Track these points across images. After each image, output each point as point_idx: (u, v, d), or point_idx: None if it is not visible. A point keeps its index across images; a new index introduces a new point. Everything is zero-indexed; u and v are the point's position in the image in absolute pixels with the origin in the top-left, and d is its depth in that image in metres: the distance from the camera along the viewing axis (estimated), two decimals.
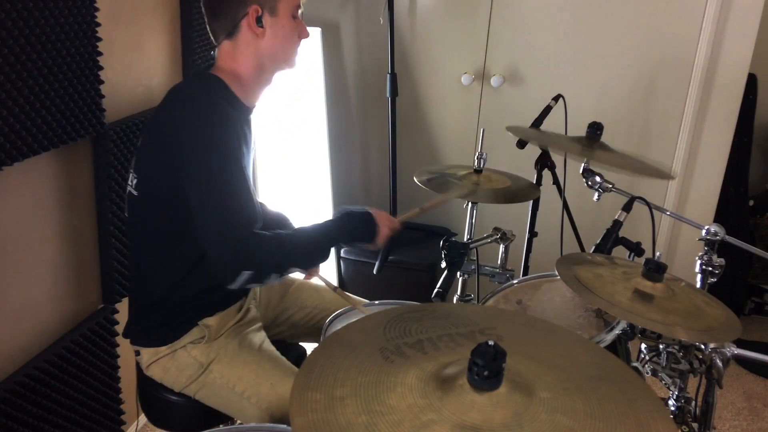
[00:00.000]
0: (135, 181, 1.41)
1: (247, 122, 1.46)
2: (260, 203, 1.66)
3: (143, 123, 1.83)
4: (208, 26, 1.45)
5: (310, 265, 1.42)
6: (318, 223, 1.42)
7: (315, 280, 1.62)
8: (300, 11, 1.46)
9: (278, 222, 1.72)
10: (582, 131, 1.74)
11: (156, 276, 1.44)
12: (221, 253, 1.26)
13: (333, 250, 2.77)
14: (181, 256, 1.41)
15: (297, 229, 1.42)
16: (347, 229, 1.43)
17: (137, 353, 1.49)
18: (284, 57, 1.47)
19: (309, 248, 1.38)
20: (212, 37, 1.45)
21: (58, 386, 1.61)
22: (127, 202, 1.45)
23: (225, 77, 1.41)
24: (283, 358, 1.49)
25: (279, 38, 1.42)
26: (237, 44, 1.41)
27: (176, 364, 1.45)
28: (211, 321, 1.45)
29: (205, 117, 1.31)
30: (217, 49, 1.44)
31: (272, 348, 1.52)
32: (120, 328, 1.85)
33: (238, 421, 1.52)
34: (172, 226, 1.38)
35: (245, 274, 1.26)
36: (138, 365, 1.51)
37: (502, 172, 1.83)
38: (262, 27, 1.40)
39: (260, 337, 1.54)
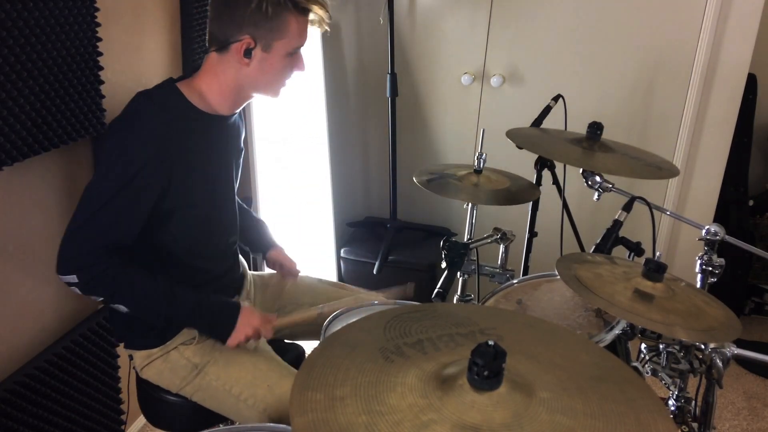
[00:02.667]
0: None
1: (215, 130, 1.45)
2: (240, 205, 1.67)
3: None
4: (208, 28, 1.44)
5: (140, 314, 1.40)
6: (182, 292, 1.39)
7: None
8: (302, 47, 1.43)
9: (252, 227, 1.76)
10: (582, 131, 1.74)
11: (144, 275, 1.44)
12: (62, 249, 1.31)
13: (335, 257, 2.77)
14: (155, 260, 1.42)
15: (160, 282, 1.37)
16: (197, 315, 1.41)
17: (130, 357, 1.49)
18: (266, 89, 1.45)
19: (146, 302, 1.37)
20: (207, 40, 1.44)
21: (58, 386, 1.61)
22: None
23: (188, 90, 1.40)
24: (280, 359, 1.49)
25: (264, 73, 1.40)
26: (223, 61, 1.39)
27: (169, 366, 1.45)
28: None
29: (123, 134, 1.32)
30: (206, 55, 1.43)
31: (268, 348, 1.52)
32: None
33: (238, 422, 1.52)
34: (141, 234, 1.38)
35: (72, 278, 1.30)
36: (134, 368, 1.51)
37: (501, 172, 1.83)
38: (249, 58, 1.36)
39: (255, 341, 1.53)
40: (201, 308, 1.41)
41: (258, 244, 1.79)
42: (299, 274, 1.77)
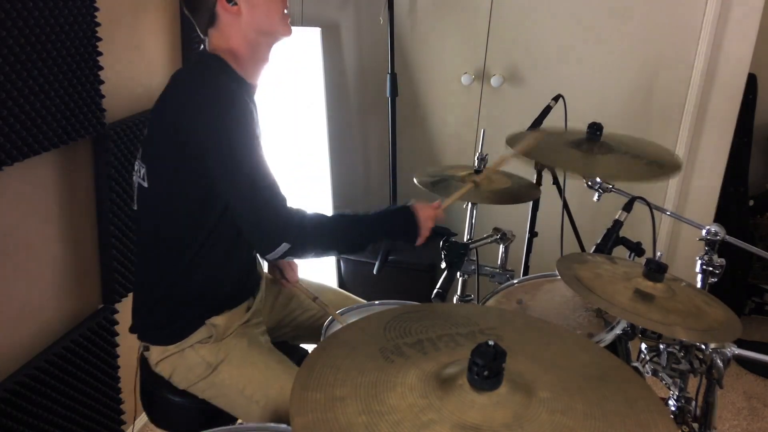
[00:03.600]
0: (143, 172, 1.39)
1: (251, 99, 1.44)
2: None
3: (144, 122, 1.83)
4: (192, 20, 1.44)
5: (347, 252, 1.44)
6: (360, 214, 1.43)
7: (301, 285, 1.63)
8: None
9: None
10: (582, 131, 1.74)
11: (164, 269, 1.43)
12: (258, 223, 1.29)
13: None
14: (191, 248, 1.40)
15: (339, 214, 1.41)
16: (390, 226, 1.45)
17: (146, 348, 1.48)
18: (270, 27, 1.42)
19: (350, 235, 1.40)
20: (198, 30, 1.43)
21: (58, 386, 1.61)
22: (137, 195, 1.44)
23: (223, 55, 1.39)
24: (290, 361, 1.49)
25: (257, 8, 1.38)
26: (221, 29, 1.39)
27: (185, 363, 1.44)
28: (218, 320, 1.44)
29: (214, 95, 1.30)
30: (206, 40, 1.43)
31: (279, 351, 1.52)
32: (120, 328, 1.85)
33: (239, 421, 1.52)
34: (185, 214, 1.37)
35: (284, 246, 1.29)
36: (142, 362, 1.50)
37: (501, 172, 1.82)
38: (235, 4, 1.36)
39: (266, 339, 1.53)
40: (385, 221, 1.46)
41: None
42: (297, 281, 1.74)
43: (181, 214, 1.38)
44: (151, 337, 1.47)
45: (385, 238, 1.47)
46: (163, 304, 1.45)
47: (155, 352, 1.46)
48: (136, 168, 1.43)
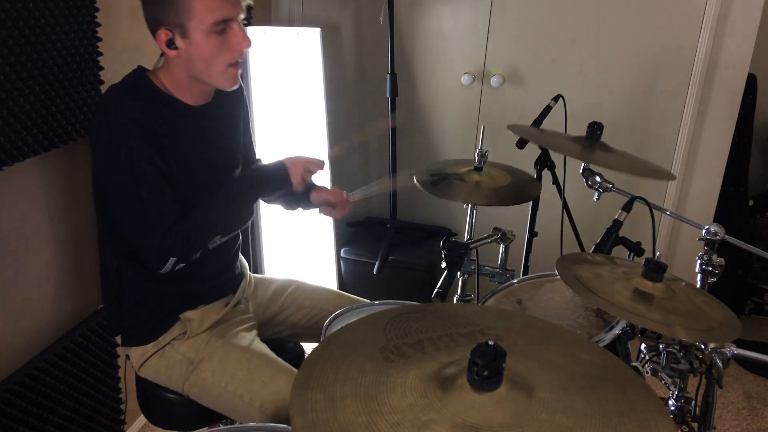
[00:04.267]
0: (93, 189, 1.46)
1: (184, 117, 1.43)
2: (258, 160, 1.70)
3: None
4: None
5: (234, 229, 1.47)
6: (228, 186, 1.46)
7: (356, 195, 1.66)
8: (233, 21, 1.34)
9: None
10: (582, 131, 1.74)
11: (126, 273, 1.45)
12: (145, 253, 1.35)
13: (333, 248, 2.76)
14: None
15: (210, 200, 1.42)
16: (259, 183, 1.47)
17: (128, 357, 1.50)
18: (210, 77, 1.37)
19: (228, 215, 1.43)
20: None
21: (58, 386, 1.61)
22: (94, 202, 1.48)
23: (158, 80, 1.39)
24: (274, 355, 1.49)
25: (198, 58, 1.34)
26: (166, 58, 1.38)
27: (165, 363, 1.45)
28: (192, 314, 1.46)
29: (118, 122, 1.31)
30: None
31: (263, 345, 1.52)
32: None
33: (233, 419, 1.53)
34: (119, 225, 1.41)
35: (171, 261, 1.35)
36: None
37: (502, 166, 1.81)
38: (176, 49, 1.33)
39: (251, 336, 1.53)
40: (259, 182, 1.48)
41: (291, 196, 1.68)
42: (347, 200, 1.66)
43: (118, 226, 1.42)
44: (131, 340, 1.49)
45: (261, 193, 1.49)
46: (138, 306, 1.47)
47: (135, 357, 1.48)
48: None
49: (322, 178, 2.77)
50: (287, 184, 1.49)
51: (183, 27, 1.30)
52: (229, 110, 1.55)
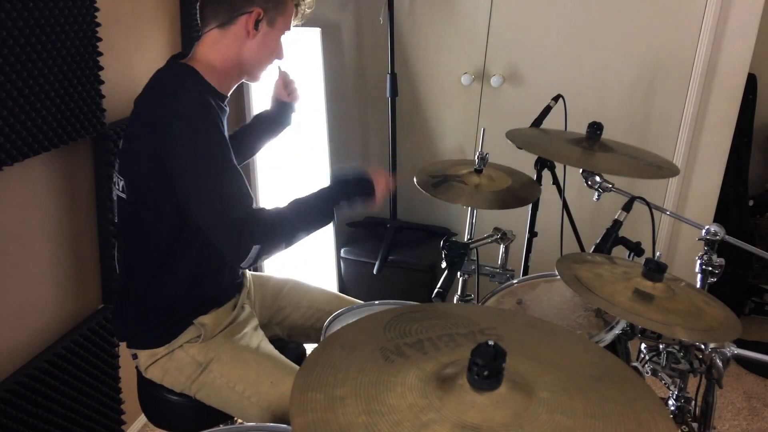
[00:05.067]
0: (122, 184, 1.41)
1: (222, 107, 1.45)
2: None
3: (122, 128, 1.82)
4: (198, 10, 1.44)
5: (314, 230, 1.45)
6: (315, 191, 1.45)
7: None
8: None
9: (252, 129, 1.77)
10: (582, 131, 1.74)
11: (150, 275, 1.44)
12: (227, 235, 1.30)
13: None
14: (172, 254, 1.41)
15: (295, 199, 1.43)
16: (344, 192, 1.46)
17: (135, 356, 1.49)
18: (258, 66, 1.48)
19: (311, 216, 1.42)
20: (199, 22, 1.44)
21: (58, 386, 1.61)
22: (117, 206, 1.45)
23: (199, 68, 1.40)
24: (282, 357, 1.50)
25: (265, 48, 1.45)
26: (225, 36, 1.41)
27: (175, 365, 1.45)
28: (206, 319, 1.45)
29: (189, 107, 1.31)
30: (202, 36, 1.43)
31: (271, 346, 1.53)
32: None
33: (239, 421, 1.53)
34: (164, 223, 1.38)
35: (254, 249, 1.30)
36: (137, 367, 1.51)
37: (502, 168, 1.81)
38: (257, 30, 1.41)
39: (258, 336, 1.54)
40: (339, 190, 1.46)
41: (267, 125, 1.78)
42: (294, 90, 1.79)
43: (161, 223, 1.39)
44: (140, 343, 1.48)
45: (343, 202, 1.47)
46: (152, 309, 1.45)
47: (144, 357, 1.47)
48: (114, 180, 1.45)
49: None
50: (368, 200, 1.49)
51: (274, 17, 1.43)
52: None
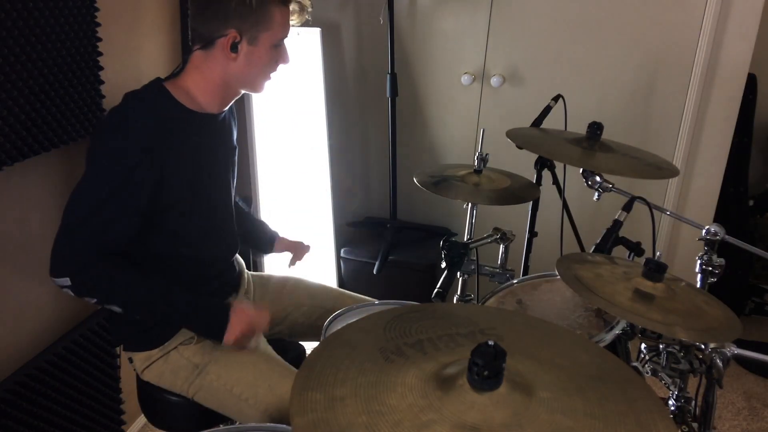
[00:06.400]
0: None
1: (205, 129, 1.45)
2: (239, 205, 1.69)
3: None
4: (190, 26, 1.43)
5: (129, 315, 1.39)
6: (177, 292, 1.39)
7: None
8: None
9: (254, 230, 1.80)
10: (582, 131, 1.74)
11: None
12: (57, 253, 1.30)
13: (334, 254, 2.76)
14: (159, 257, 1.43)
15: (155, 281, 1.37)
16: (192, 313, 1.40)
17: (130, 360, 1.49)
18: (251, 83, 1.45)
19: (141, 303, 1.36)
20: (189, 38, 1.42)
21: (58, 386, 1.61)
22: None
23: (175, 89, 1.39)
24: (280, 359, 1.49)
25: (251, 67, 1.40)
26: (208, 59, 1.39)
27: (170, 367, 1.45)
28: None
29: (113, 135, 1.31)
30: (191, 54, 1.42)
31: (269, 348, 1.52)
32: None
33: (239, 421, 1.52)
34: (145, 226, 1.38)
35: (65, 281, 1.29)
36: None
37: (501, 171, 1.82)
38: (236, 53, 1.37)
39: (256, 338, 1.53)
40: (196, 308, 1.40)
41: (262, 243, 1.82)
42: (308, 249, 1.86)
43: (144, 225, 1.39)
44: (134, 345, 1.48)
45: (182, 322, 1.42)
46: None
47: (139, 361, 1.47)
48: None
49: (323, 179, 2.77)
50: (219, 335, 1.40)
51: (255, 35, 1.36)
52: (230, 129, 1.58)
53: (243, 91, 1.48)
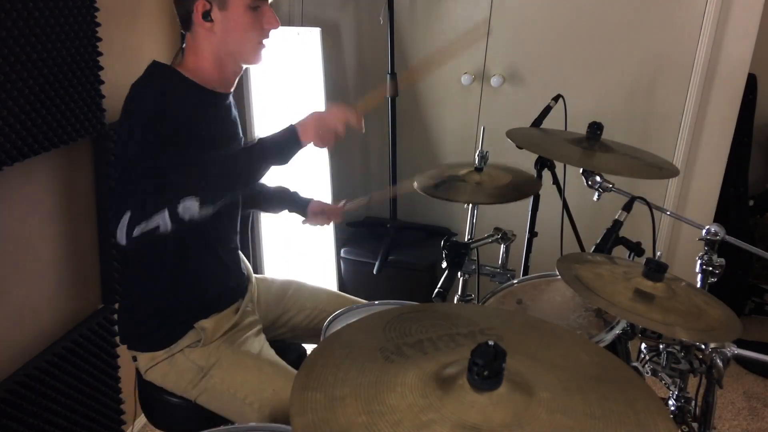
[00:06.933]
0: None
1: (217, 106, 1.44)
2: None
3: None
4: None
5: (248, 179, 1.35)
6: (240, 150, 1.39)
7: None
8: (267, 1, 1.39)
9: (280, 194, 1.78)
10: (582, 131, 1.74)
11: (148, 278, 1.44)
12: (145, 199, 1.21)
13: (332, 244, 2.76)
14: (171, 257, 1.42)
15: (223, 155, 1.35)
16: (271, 142, 1.38)
17: (134, 359, 1.49)
18: (241, 53, 1.41)
19: (246, 160, 1.33)
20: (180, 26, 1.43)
21: (58, 386, 1.61)
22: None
23: (182, 68, 1.39)
24: (283, 363, 1.49)
25: (232, 32, 1.36)
26: (195, 38, 1.39)
27: (175, 369, 1.45)
28: (206, 323, 1.45)
29: (140, 97, 1.31)
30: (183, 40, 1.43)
31: (272, 352, 1.52)
32: None
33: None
34: None
35: (189, 203, 1.22)
36: (137, 369, 1.51)
37: (502, 167, 1.81)
38: (210, 21, 1.35)
39: (260, 341, 1.53)
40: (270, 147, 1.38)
41: (294, 202, 1.77)
42: (339, 209, 1.78)
43: None
44: (140, 345, 1.48)
45: (274, 152, 1.39)
46: (151, 312, 1.46)
47: (143, 360, 1.47)
48: None
49: (323, 179, 2.77)
50: (297, 143, 1.39)
51: (223, 0, 1.33)
52: (236, 118, 1.57)
53: (241, 65, 1.45)
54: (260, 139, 1.38)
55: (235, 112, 1.55)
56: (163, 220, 1.19)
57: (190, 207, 1.21)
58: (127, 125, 1.32)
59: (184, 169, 1.25)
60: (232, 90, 1.50)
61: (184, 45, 1.44)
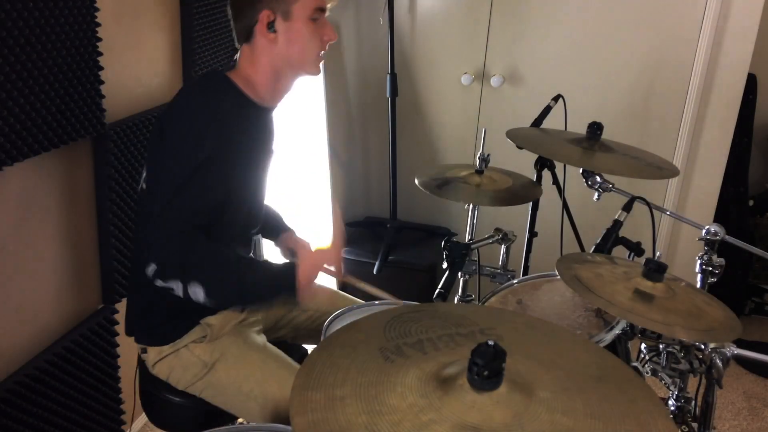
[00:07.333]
0: (144, 175, 1.41)
1: (262, 122, 1.46)
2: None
3: (144, 122, 1.83)
4: (233, 30, 1.44)
5: (221, 300, 1.34)
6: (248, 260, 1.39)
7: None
8: (325, 12, 1.42)
9: (270, 218, 1.77)
10: (582, 131, 1.74)
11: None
12: (153, 242, 1.24)
13: None
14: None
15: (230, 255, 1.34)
16: (269, 279, 1.35)
17: (144, 351, 1.49)
18: (302, 63, 1.42)
19: (221, 276, 1.30)
20: (235, 40, 1.44)
21: (58, 386, 1.61)
22: (138, 198, 1.46)
23: (237, 80, 1.40)
24: (288, 358, 1.50)
25: (294, 43, 1.39)
26: (254, 49, 1.40)
27: (180, 363, 1.45)
28: (213, 320, 1.45)
29: (193, 112, 1.32)
30: (238, 52, 1.43)
31: (275, 348, 1.53)
32: (120, 328, 1.85)
33: (239, 421, 1.52)
34: None
35: (152, 268, 1.24)
36: (142, 364, 1.51)
37: (502, 170, 1.82)
38: (274, 32, 1.37)
39: (262, 338, 1.54)
40: (269, 274, 1.36)
41: (273, 229, 1.79)
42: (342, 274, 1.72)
43: None
44: (147, 339, 1.48)
45: (266, 291, 1.36)
46: (158, 306, 1.45)
47: (152, 354, 1.47)
48: (141, 171, 1.45)
49: (323, 179, 2.78)
50: (292, 293, 1.36)
51: (287, 10, 1.36)
52: (273, 132, 1.57)
53: (297, 77, 1.46)
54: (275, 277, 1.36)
55: (273, 125, 1.57)
56: (177, 287, 1.27)
57: (197, 295, 1.27)
58: (177, 144, 1.31)
59: (205, 272, 1.27)
60: (278, 105, 1.51)
61: (236, 57, 1.44)
